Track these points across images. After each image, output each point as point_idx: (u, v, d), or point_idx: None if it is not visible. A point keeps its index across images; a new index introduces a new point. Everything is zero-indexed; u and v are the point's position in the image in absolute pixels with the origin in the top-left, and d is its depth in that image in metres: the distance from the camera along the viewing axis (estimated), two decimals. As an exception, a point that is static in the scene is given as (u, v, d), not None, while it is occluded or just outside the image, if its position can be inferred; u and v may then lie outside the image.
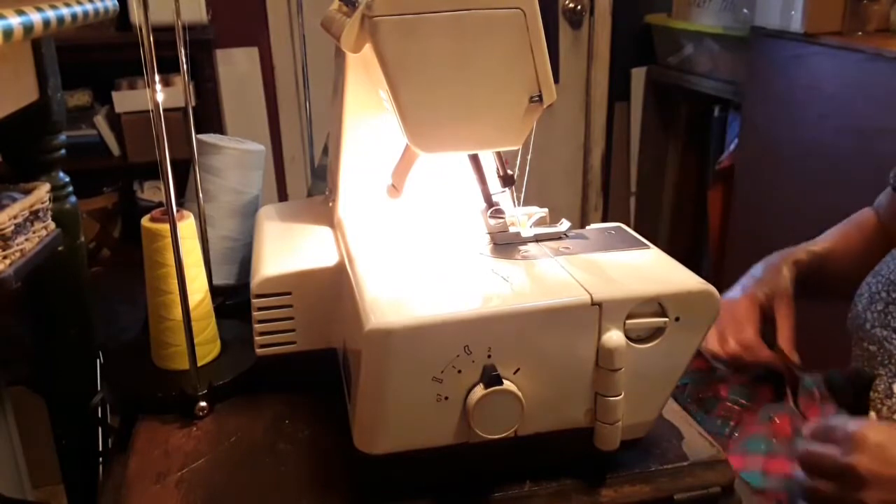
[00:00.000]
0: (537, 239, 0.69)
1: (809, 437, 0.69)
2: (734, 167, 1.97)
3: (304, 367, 0.75)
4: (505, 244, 0.68)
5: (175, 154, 0.68)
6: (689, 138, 2.40)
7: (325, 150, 0.97)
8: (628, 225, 0.73)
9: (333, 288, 0.71)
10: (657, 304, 0.59)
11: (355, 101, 0.74)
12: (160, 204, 0.86)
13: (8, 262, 0.90)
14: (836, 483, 0.65)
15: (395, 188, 0.72)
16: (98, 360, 1.21)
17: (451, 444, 0.60)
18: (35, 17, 0.86)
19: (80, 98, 1.98)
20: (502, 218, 0.69)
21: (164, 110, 0.67)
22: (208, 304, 0.79)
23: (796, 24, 1.67)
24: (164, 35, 0.74)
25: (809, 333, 0.87)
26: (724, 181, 2.04)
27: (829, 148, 1.62)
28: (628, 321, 0.59)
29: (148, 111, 0.66)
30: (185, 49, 0.81)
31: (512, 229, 0.69)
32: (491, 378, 0.57)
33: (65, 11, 0.93)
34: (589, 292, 0.58)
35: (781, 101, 1.75)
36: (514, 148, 0.67)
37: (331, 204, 0.80)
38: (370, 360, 0.57)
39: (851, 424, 0.66)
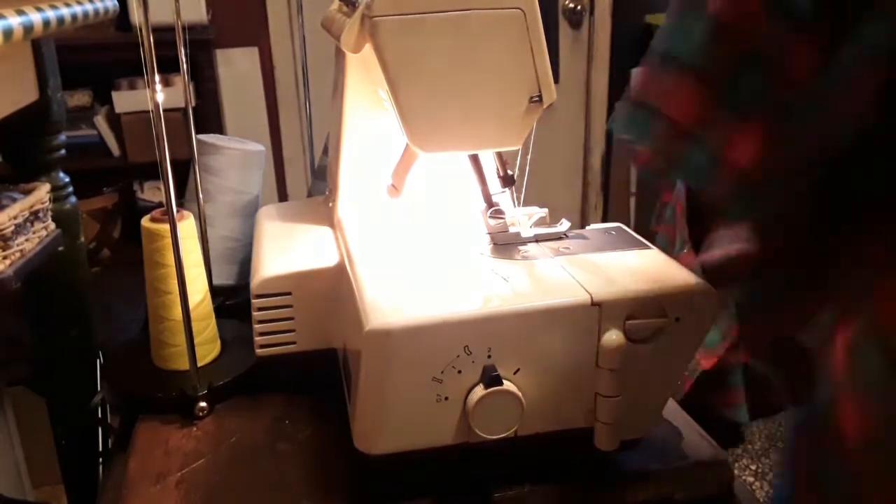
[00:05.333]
0: (537, 239, 0.69)
1: None
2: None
3: (304, 367, 0.75)
4: (505, 244, 0.68)
5: (175, 154, 0.68)
6: (689, 138, 2.40)
7: (325, 150, 0.97)
8: (628, 225, 0.73)
9: (333, 288, 0.71)
10: (657, 304, 0.59)
11: (355, 101, 0.74)
12: (160, 204, 0.86)
13: (8, 262, 0.90)
14: None
15: (395, 188, 0.72)
16: (98, 360, 1.21)
17: (451, 444, 0.60)
18: (35, 17, 0.86)
19: (80, 98, 1.98)
20: (502, 218, 0.69)
21: (164, 110, 0.67)
22: (208, 304, 0.79)
23: (796, 24, 1.67)
24: (164, 35, 0.74)
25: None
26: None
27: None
28: (628, 321, 0.59)
29: (148, 111, 0.66)
30: (185, 49, 0.81)
31: (512, 229, 0.69)
32: (491, 378, 0.57)
33: (65, 11, 0.93)
34: (589, 292, 0.58)
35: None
36: (514, 148, 0.67)
37: (331, 204, 0.80)
38: (370, 361, 0.57)
39: None
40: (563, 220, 0.71)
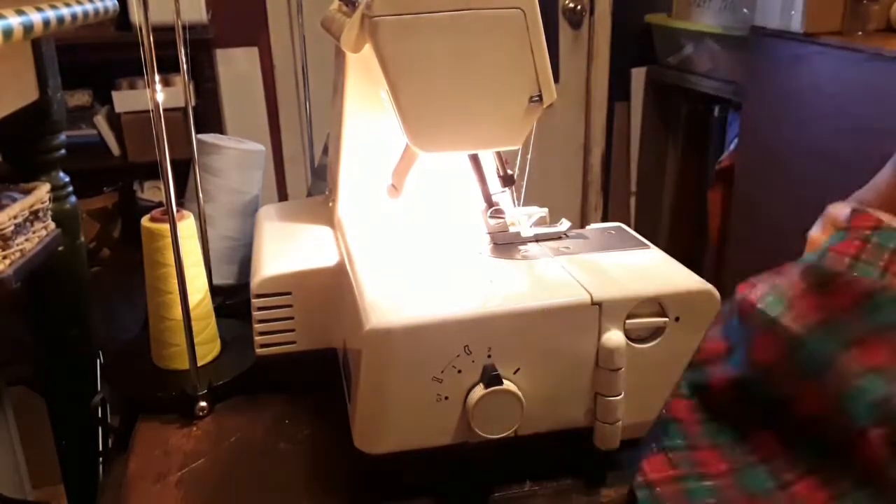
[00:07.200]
0: (537, 239, 0.69)
1: None
2: (734, 167, 1.97)
3: (304, 367, 0.75)
4: (505, 244, 0.68)
5: (175, 154, 0.68)
6: (689, 138, 2.40)
7: (325, 150, 0.97)
8: (628, 225, 0.73)
9: (333, 288, 0.71)
10: (657, 304, 0.59)
11: (355, 101, 0.74)
12: (160, 204, 0.86)
13: (8, 262, 0.90)
14: None
15: (395, 188, 0.72)
16: (98, 360, 1.21)
17: (451, 444, 0.60)
18: (35, 17, 0.86)
19: (80, 98, 1.98)
20: (502, 218, 0.69)
21: (164, 110, 0.67)
22: (208, 304, 0.79)
23: (796, 23, 1.67)
24: (164, 35, 0.73)
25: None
26: (723, 181, 2.04)
27: (828, 148, 1.62)
28: (628, 321, 0.59)
29: (148, 111, 0.66)
30: (185, 49, 0.81)
31: (512, 229, 0.69)
32: (491, 378, 0.57)
33: (65, 11, 0.93)
34: (589, 292, 0.58)
35: (781, 100, 1.75)
36: (514, 148, 0.67)
37: (331, 204, 0.80)
38: (370, 360, 0.57)
39: None
40: (563, 220, 0.71)
